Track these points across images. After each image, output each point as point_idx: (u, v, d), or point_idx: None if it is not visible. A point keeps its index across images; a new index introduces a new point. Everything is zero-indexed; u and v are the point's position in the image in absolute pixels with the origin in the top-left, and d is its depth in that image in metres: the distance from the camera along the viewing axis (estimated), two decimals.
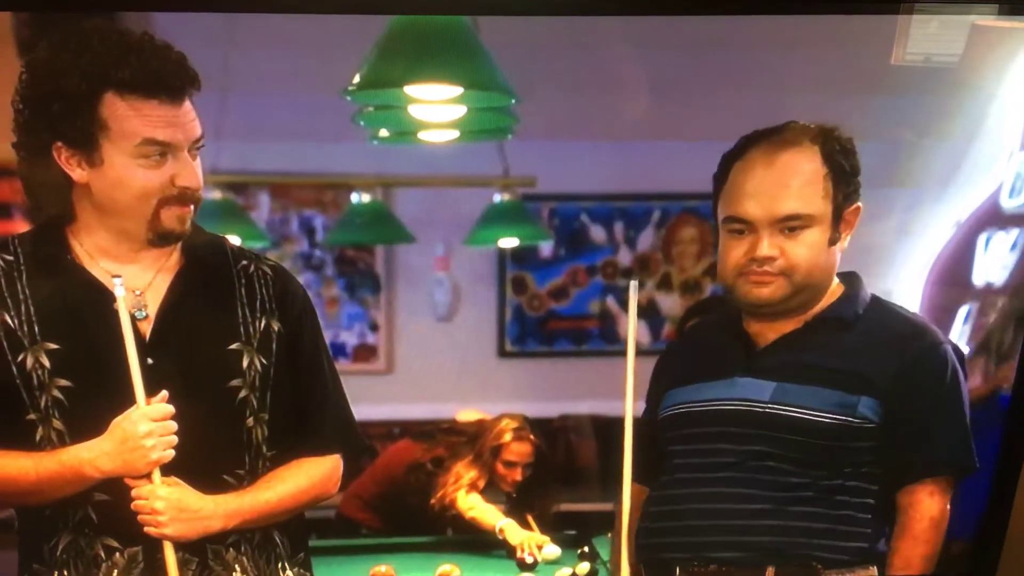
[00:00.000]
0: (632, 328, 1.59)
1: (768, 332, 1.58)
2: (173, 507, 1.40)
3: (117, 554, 1.44)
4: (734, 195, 1.53)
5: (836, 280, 1.58)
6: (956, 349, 1.56)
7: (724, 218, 1.55)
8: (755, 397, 1.54)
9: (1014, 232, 2.21)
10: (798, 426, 1.51)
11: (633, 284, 1.63)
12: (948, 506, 1.56)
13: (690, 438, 1.59)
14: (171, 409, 1.39)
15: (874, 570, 1.57)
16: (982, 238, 2.29)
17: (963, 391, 1.55)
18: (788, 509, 1.52)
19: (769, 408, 1.53)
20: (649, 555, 1.61)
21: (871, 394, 1.51)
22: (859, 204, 1.55)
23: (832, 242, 1.53)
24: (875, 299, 1.59)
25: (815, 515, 1.52)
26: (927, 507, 1.54)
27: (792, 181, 1.50)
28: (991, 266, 2.27)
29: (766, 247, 1.50)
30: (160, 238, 1.42)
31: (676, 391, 1.62)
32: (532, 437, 2.59)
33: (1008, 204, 2.24)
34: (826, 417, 1.51)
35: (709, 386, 1.58)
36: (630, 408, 1.59)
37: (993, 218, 2.26)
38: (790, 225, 1.50)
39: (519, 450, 2.57)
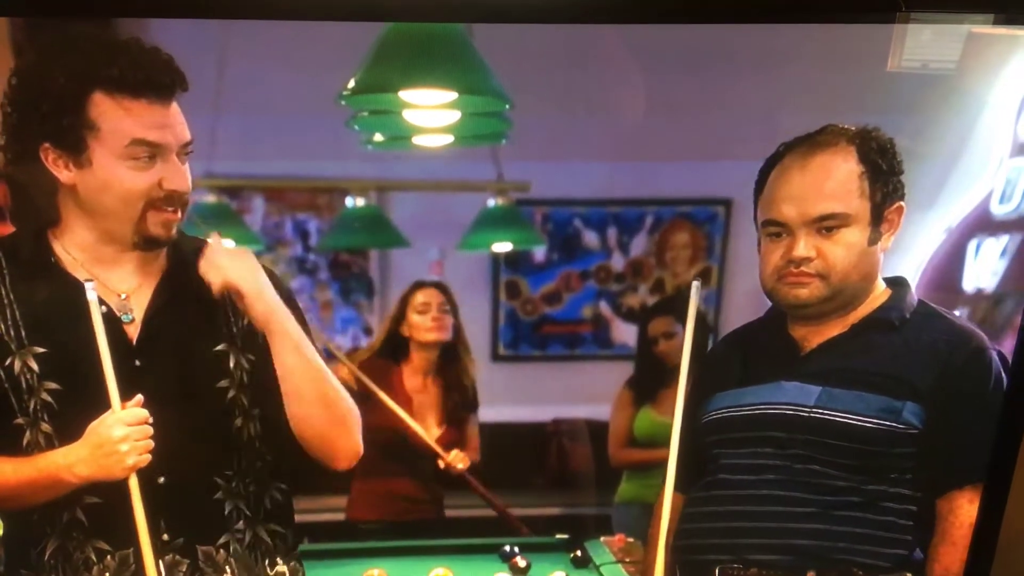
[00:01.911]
0: (690, 330, 1.59)
1: (814, 336, 1.57)
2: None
3: (108, 557, 1.43)
4: (770, 199, 1.53)
5: (883, 285, 1.57)
6: (1002, 355, 1.54)
7: (762, 222, 1.55)
8: (800, 401, 1.53)
9: (1004, 238, 2.20)
10: (843, 431, 1.50)
11: (695, 284, 1.62)
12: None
13: (733, 442, 1.58)
14: (145, 413, 1.38)
15: None
16: (972, 244, 2.28)
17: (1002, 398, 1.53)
18: (831, 513, 1.52)
19: (815, 413, 1.52)
20: (687, 556, 1.60)
21: (915, 399, 1.50)
22: (901, 203, 1.53)
23: (872, 242, 1.52)
24: (922, 303, 1.58)
25: (857, 520, 1.52)
26: (967, 513, 1.53)
27: (826, 181, 1.49)
28: (981, 272, 2.27)
29: (802, 248, 1.50)
30: (145, 242, 1.41)
31: (721, 396, 1.61)
32: (438, 284, 2.57)
33: (998, 210, 2.23)
34: (871, 422, 1.50)
35: (754, 390, 1.58)
36: (680, 412, 1.59)
37: (984, 224, 2.26)
38: (826, 225, 1.49)
39: (425, 294, 2.54)
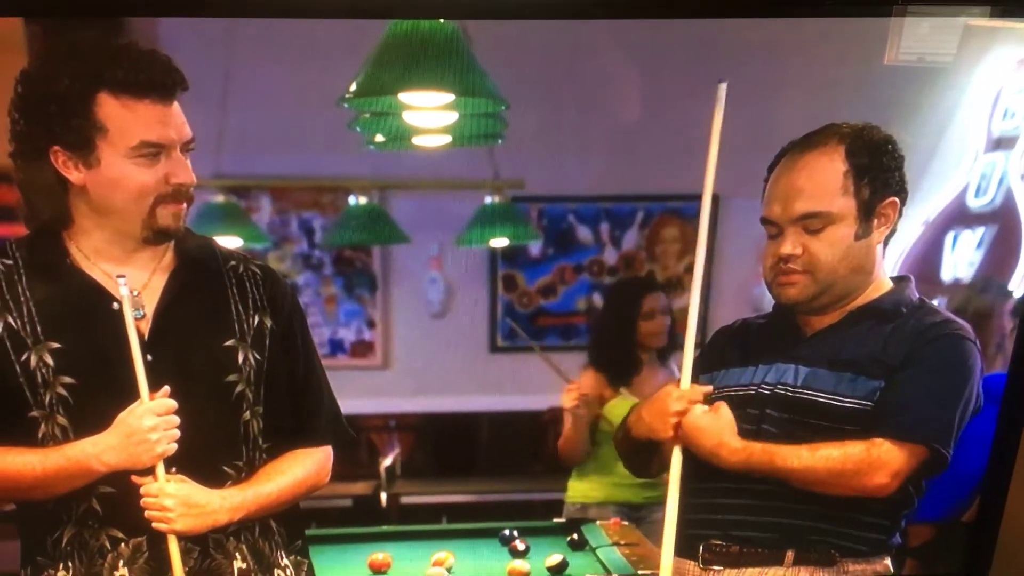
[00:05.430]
0: (716, 133, 1.53)
1: (815, 322, 1.57)
2: (182, 504, 1.39)
3: (122, 544, 1.43)
4: (765, 198, 1.54)
5: (889, 282, 1.57)
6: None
7: (760, 220, 1.54)
8: (788, 381, 1.53)
9: (979, 230, 2.20)
10: (824, 411, 1.50)
11: (722, 86, 1.53)
12: (897, 480, 1.47)
13: None
14: (174, 404, 1.38)
15: (888, 561, 1.55)
16: (949, 236, 2.28)
17: (968, 388, 1.49)
18: (811, 494, 1.50)
19: (799, 393, 1.52)
20: (678, 531, 1.59)
21: (887, 377, 1.49)
22: (895, 198, 1.51)
23: (859, 237, 1.50)
24: (922, 301, 1.57)
25: (837, 502, 1.50)
26: (887, 452, 1.45)
27: (808, 181, 1.49)
28: (958, 263, 2.27)
29: (788, 246, 1.50)
30: (156, 236, 1.40)
31: (723, 373, 1.60)
32: None
33: (974, 204, 2.23)
34: (849, 402, 1.50)
35: (752, 370, 1.58)
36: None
37: (960, 217, 2.25)
38: (811, 223, 1.49)
39: None
